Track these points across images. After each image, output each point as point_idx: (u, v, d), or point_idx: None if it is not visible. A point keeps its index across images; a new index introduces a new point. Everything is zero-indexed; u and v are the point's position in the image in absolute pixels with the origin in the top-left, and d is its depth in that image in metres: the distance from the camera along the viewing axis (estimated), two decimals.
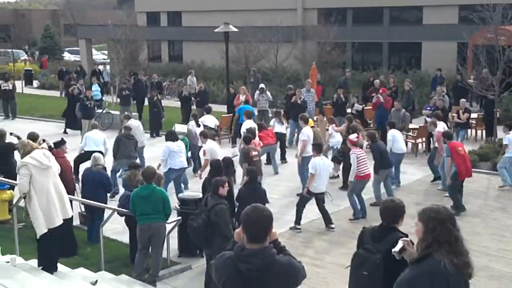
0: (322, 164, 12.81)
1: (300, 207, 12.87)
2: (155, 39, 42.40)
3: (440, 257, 4.39)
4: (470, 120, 20.55)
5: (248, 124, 17.15)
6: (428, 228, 4.46)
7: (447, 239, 4.42)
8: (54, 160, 9.10)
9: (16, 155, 12.88)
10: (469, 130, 20.95)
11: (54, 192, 8.76)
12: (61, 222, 8.78)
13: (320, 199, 12.93)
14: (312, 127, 17.27)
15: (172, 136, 14.71)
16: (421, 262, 4.49)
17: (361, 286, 5.59)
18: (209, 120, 19.70)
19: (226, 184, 9.56)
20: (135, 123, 17.30)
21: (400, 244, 5.06)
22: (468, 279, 4.50)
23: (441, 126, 15.97)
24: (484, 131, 21.74)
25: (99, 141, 15.35)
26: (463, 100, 20.44)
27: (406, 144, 19.45)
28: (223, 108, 24.33)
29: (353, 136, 14.36)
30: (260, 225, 4.38)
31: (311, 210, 13.74)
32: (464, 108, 19.76)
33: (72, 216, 9.29)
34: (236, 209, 10.65)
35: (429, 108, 19.99)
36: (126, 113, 18.89)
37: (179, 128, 17.73)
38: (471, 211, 13.97)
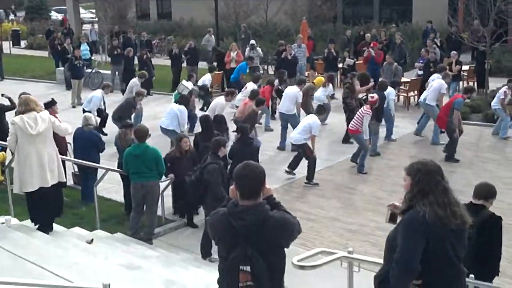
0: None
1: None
2: None
3: (421, 208, 4.42)
4: (462, 72, 20.49)
5: (251, 86, 16.78)
6: (414, 180, 4.52)
7: (432, 190, 4.44)
8: (48, 123, 8.70)
9: (8, 115, 12.86)
10: (460, 82, 20.90)
11: (36, 158, 8.53)
12: (35, 188, 8.60)
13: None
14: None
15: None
16: (404, 214, 4.57)
17: None
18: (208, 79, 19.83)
19: (226, 145, 9.58)
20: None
21: (388, 213, 5.04)
22: (460, 229, 4.47)
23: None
24: (475, 83, 21.70)
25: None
26: (454, 52, 20.33)
27: (398, 98, 19.50)
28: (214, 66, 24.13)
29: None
30: (252, 181, 4.36)
31: (305, 166, 13.79)
32: (456, 60, 19.68)
33: (57, 183, 8.92)
34: (229, 166, 10.66)
35: (421, 61, 19.91)
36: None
37: (187, 85, 17.49)
38: (464, 162, 14.06)
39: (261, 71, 24.32)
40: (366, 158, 13.68)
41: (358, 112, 13.82)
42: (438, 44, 22.62)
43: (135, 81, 18.25)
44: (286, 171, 13.29)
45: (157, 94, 22.84)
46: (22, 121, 8.46)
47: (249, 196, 4.35)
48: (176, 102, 15.09)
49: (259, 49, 23.47)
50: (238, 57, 22.38)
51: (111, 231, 10.06)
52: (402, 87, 19.71)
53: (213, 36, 27.49)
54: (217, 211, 4.56)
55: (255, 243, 4.31)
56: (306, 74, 22.37)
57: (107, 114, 16.70)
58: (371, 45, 21.91)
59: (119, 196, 11.56)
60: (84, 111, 15.33)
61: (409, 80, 19.93)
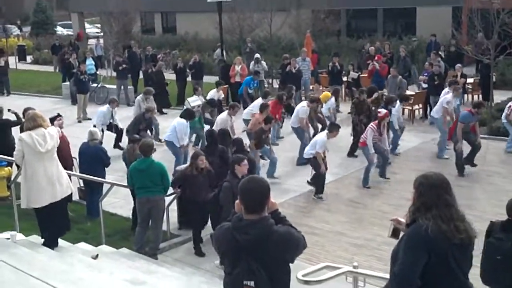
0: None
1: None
2: (148, 10, 42.00)
3: (424, 221, 4.38)
4: (466, 85, 20.49)
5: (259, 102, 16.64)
6: (418, 194, 4.50)
7: (435, 204, 4.40)
8: (56, 139, 8.68)
9: (14, 130, 12.93)
10: (465, 95, 20.89)
11: (43, 175, 8.47)
12: (43, 204, 8.55)
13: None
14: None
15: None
16: (408, 227, 4.56)
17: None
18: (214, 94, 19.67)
19: (245, 162, 9.56)
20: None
21: (390, 228, 4.99)
22: (464, 244, 4.42)
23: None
24: (480, 96, 21.68)
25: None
26: (459, 65, 20.35)
27: (403, 111, 19.48)
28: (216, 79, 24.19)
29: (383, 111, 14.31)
30: (257, 195, 4.37)
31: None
32: (460, 73, 19.68)
33: (66, 197, 8.94)
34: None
35: (426, 74, 19.92)
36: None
37: (191, 101, 17.47)
38: (469, 176, 14.03)
39: (266, 85, 24.36)
40: (370, 172, 13.64)
41: (369, 126, 13.92)
42: (442, 56, 22.66)
43: (139, 98, 18.19)
44: (307, 181, 13.40)
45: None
46: (31, 138, 8.34)
47: (253, 210, 4.36)
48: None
49: (263, 63, 23.55)
50: (242, 71, 22.44)
51: (117, 246, 10.05)
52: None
53: (224, 51, 27.47)
54: (222, 226, 4.58)
55: (259, 258, 4.31)
56: (311, 87, 22.44)
57: (122, 129, 16.61)
58: (376, 58, 21.95)
59: (125, 211, 11.57)
60: (94, 127, 15.37)
61: (413, 93, 19.93)
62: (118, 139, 16.67)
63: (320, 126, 16.48)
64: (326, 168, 13.06)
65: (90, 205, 11.72)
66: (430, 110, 19.13)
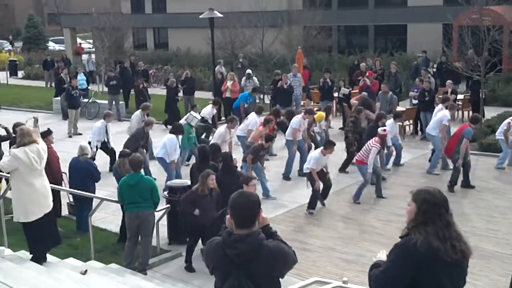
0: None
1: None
2: (140, 26, 42.13)
3: (416, 236, 4.27)
4: (457, 101, 20.58)
5: (252, 117, 16.58)
6: (420, 210, 4.35)
7: (434, 222, 4.30)
8: (45, 154, 8.70)
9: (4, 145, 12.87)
10: (456, 112, 20.95)
11: (39, 189, 8.53)
12: (38, 216, 8.57)
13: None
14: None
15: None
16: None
17: None
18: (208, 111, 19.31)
19: (253, 182, 9.89)
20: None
21: (383, 255, 4.80)
22: (460, 264, 4.32)
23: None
24: (470, 112, 21.77)
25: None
26: (449, 81, 20.47)
27: None
28: (210, 95, 24.26)
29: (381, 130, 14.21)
30: (247, 210, 4.36)
31: (301, 195, 13.79)
32: (451, 90, 19.78)
33: (54, 211, 9.02)
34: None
35: (416, 90, 20.00)
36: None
37: (195, 115, 17.18)
38: (460, 191, 14.04)
39: (257, 101, 24.40)
40: (363, 190, 13.57)
41: (367, 144, 13.66)
42: (431, 72, 22.78)
43: (137, 114, 17.48)
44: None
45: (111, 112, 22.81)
46: (27, 156, 8.32)
47: (243, 225, 4.34)
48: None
49: (255, 79, 23.59)
50: (234, 86, 22.49)
51: (106, 262, 9.99)
52: None
53: (223, 68, 27.39)
54: (212, 240, 4.56)
55: (249, 273, 4.29)
56: (302, 103, 22.48)
57: (114, 150, 15.95)
58: (367, 74, 22.04)
59: (114, 226, 11.51)
60: (89, 143, 15.16)
61: (404, 109, 19.99)
62: (112, 161, 15.82)
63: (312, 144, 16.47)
64: (329, 182, 13.19)
65: (80, 220, 11.65)
66: (421, 126, 19.23)
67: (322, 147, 13.28)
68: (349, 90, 21.82)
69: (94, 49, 39.19)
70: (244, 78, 23.41)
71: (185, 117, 17.12)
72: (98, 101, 24.84)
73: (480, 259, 9.98)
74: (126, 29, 35.21)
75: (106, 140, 16.34)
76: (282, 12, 36.33)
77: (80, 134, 21.60)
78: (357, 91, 21.90)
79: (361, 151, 13.73)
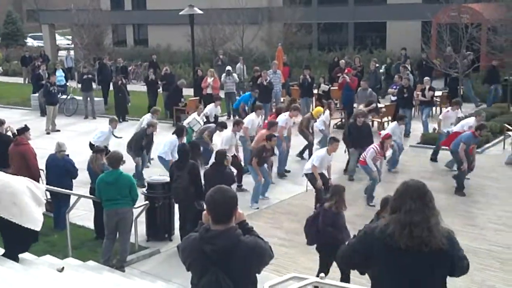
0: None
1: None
2: (120, 23, 41.89)
3: (381, 222, 4.50)
4: (435, 98, 20.74)
5: (251, 117, 16.29)
6: (393, 199, 4.54)
7: (398, 209, 4.41)
8: None
9: None
10: (433, 108, 21.13)
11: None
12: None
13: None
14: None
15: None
16: None
17: None
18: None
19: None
20: None
21: None
22: (417, 252, 4.31)
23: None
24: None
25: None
26: (427, 78, 20.61)
27: (372, 124, 19.62)
28: (190, 92, 24.18)
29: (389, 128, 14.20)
30: (224, 206, 4.36)
31: (280, 192, 13.84)
32: (429, 86, 19.92)
33: None
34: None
35: (394, 87, 20.12)
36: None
37: (199, 119, 16.74)
38: (436, 187, 14.12)
39: (237, 97, 24.39)
40: (374, 191, 13.21)
41: (371, 146, 13.65)
42: (410, 69, 22.95)
43: (147, 117, 16.74)
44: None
45: (132, 120, 22.74)
46: None
47: (220, 220, 4.34)
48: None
49: (235, 75, 23.57)
50: (215, 83, 22.47)
51: (83, 259, 9.93)
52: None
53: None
54: (189, 236, 4.55)
55: (226, 269, 4.30)
56: (282, 100, 22.52)
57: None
58: (346, 71, 22.13)
59: (92, 223, 11.43)
60: (91, 145, 14.88)
61: (383, 105, 20.12)
62: None
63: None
64: (329, 184, 12.51)
65: (57, 217, 11.57)
66: None
67: (328, 144, 12.97)
68: (328, 87, 21.90)
69: (73, 46, 38.94)
70: (224, 74, 23.39)
71: (188, 120, 16.80)
72: (77, 97, 24.67)
73: None
74: (105, 26, 35.02)
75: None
76: (262, 9, 36.33)
77: (58, 130, 21.47)
78: (337, 88, 21.99)
79: (364, 153, 13.64)
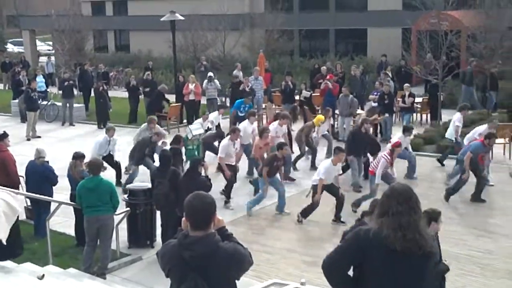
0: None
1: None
2: (101, 28, 41.75)
3: (370, 225, 4.56)
4: (415, 104, 20.90)
5: (244, 125, 16.01)
6: (379, 202, 4.62)
7: (386, 212, 4.48)
8: None
9: None
10: (414, 114, 21.30)
11: None
12: None
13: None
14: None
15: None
16: None
17: None
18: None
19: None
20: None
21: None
22: (413, 255, 4.37)
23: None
24: (429, 115, 22.16)
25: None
26: (406, 84, 20.77)
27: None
28: (172, 98, 24.16)
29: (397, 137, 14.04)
30: (202, 212, 4.35)
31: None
32: (409, 93, 20.08)
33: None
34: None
35: (375, 94, 20.25)
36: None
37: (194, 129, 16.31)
38: (418, 193, 14.17)
39: (219, 103, 24.39)
40: (365, 200, 12.75)
41: (379, 155, 13.44)
42: (391, 75, 23.12)
43: (143, 127, 16.44)
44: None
45: (114, 126, 22.60)
46: None
47: (199, 226, 4.34)
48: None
49: (217, 81, 23.59)
50: (196, 89, 22.46)
51: (64, 266, 9.86)
52: (356, 118, 19.97)
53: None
54: (168, 243, 4.55)
55: (205, 275, 4.29)
56: (264, 106, 22.56)
57: (119, 164, 15.36)
58: (327, 77, 22.23)
59: (73, 230, 11.36)
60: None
61: (364, 112, 20.20)
62: (118, 176, 15.22)
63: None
64: (341, 198, 12.41)
65: (38, 225, 11.48)
66: (381, 128, 19.48)
67: (334, 154, 12.65)
68: (310, 93, 21.97)
69: (53, 51, 38.71)
70: (206, 81, 23.38)
71: (193, 126, 16.50)
72: (57, 103, 24.51)
73: None
74: (86, 31, 34.88)
75: (111, 153, 15.28)
76: (244, 15, 36.42)
77: (39, 137, 21.33)
78: (319, 94, 22.07)
79: (374, 162, 13.44)
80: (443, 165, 16.50)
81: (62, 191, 12.50)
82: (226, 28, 29.20)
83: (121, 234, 10.85)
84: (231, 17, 31.32)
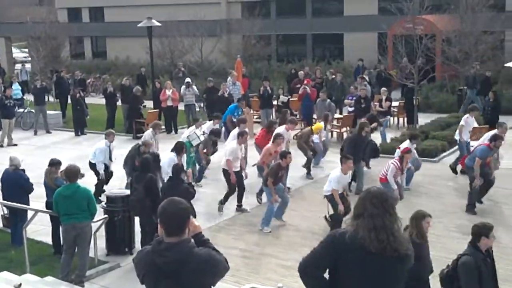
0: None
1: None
2: (77, 35, 41.50)
3: (347, 228, 4.58)
4: (392, 108, 21.07)
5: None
6: (355, 205, 4.68)
7: (361, 214, 4.54)
8: None
9: None
10: (391, 118, 21.47)
11: None
12: None
13: None
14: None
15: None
16: None
17: None
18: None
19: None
20: None
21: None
22: (388, 256, 4.42)
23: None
24: (405, 119, 22.35)
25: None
26: (383, 89, 20.94)
27: (332, 134, 19.83)
28: (149, 104, 24.11)
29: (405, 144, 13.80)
30: (176, 218, 4.35)
31: (244, 203, 13.80)
32: (386, 97, 20.24)
33: None
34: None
35: (351, 98, 20.39)
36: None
37: (199, 134, 15.81)
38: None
39: (198, 109, 24.40)
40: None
41: (389, 162, 13.26)
42: (368, 80, 23.29)
43: (149, 132, 15.97)
44: (325, 217, 12.45)
45: (91, 133, 22.55)
46: None
47: (173, 233, 4.33)
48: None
49: (194, 87, 23.58)
50: (173, 95, 22.44)
51: (41, 275, 9.78)
52: (335, 123, 20.12)
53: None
54: (143, 249, 4.56)
55: (179, 281, 4.28)
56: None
57: (112, 173, 14.99)
58: (305, 82, 22.34)
59: (50, 238, 11.28)
60: (90, 163, 14.47)
61: (341, 116, 20.36)
62: (105, 182, 14.73)
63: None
64: (348, 208, 11.82)
65: (14, 233, 11.37)
66: None
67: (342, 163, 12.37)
68: (287, 98, 22.06)
69: (29, 59, 38.38)
70: (183, 86, 23.35)
71: (187, 134, 15.99)
72: (34, 111, 24.28)
73: None
74: (62, 38, 34.66)
75: (111, 159, 14.96)
76: (221, 21, 36.44)
77: (15, 145, 21.14)
78: (296, 99, 22.16)
79: (383, 169, 13.24)
80: (456, 173, 15.99)
81: (38, 199, 12.35)
82: (204, 34, 29.20)
83: (99, 241, 10.79)
84: (208, 23, 31.33)
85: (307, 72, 25.44)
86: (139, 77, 28.67)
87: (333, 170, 12.72)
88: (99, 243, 10.78)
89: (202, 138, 15.66)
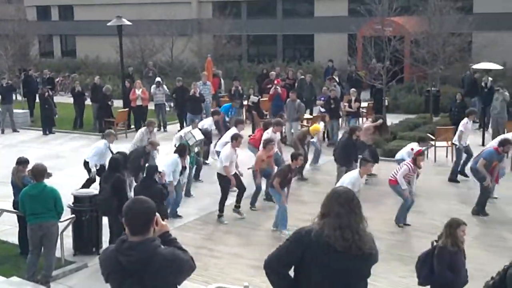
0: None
1: None
2: (46, 34, 41.06)
3: (314, 226, 4.65)
4: (361, 109, 21.25)
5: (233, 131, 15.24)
6: (322, 204, 4.76)
7: (328, 213, 4.63)
8: None
9: None
10: (360, 119, 21.64)
11: None
12: None
13: None
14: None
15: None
16: None
17: None
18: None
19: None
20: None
21: None
22: (353, 254, 4.50)
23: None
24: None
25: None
26: (353, 89, 21.11)
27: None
28: (119, 103, 23.97)
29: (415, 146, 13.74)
30: (140, 217, 4.33)
31: (209, 203, 13.81)
32: (355, 98, 20.40)
33: None
34: None
35: (322, 99, 20.51)
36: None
37: (194, 134, 15.49)
38: (363, 195, 14.37)
39: (168, 109, 24.34)
40: (405, 210, 12.56)
41: (403, 163, 13.01)
42: (338, 81, 23.45)
43: (142, 130, 15.85)
44: None
45: (59, 132, 22.35)
46: None
47: (137, 231, 4.31)
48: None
49: (165, 87, 23.51)
50: (143, 94, 22.35)
51: (7, 275, 9.66)
52: (305, 123, 20.22)
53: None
54: (107, 248, 4.55)
55: (143, 280, 4.28)
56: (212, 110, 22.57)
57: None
58: (275, 82, 22.42)
59: (16, 238, 11.16)
60: (85, 163, 14.18)
61: (311, 116, 20.47)
62: (92, 182, 14.17)
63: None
64: None
65: None
66: (327, 133, 19.74)
67: (358, 167, 12.15)
68: (258, 98, 22.11)
69: None
70: (154, 86, 23.27)
71: (183, 133, 15.78)
72: (1, 109, 23.97)
73: (381, 261, 10.27)
74: (31, 36, 34.29)
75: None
76: (192, 20, 36.41)
77: None
78: (267, 99, 22.23)
79: (394, 171, 12.98)
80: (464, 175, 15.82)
81: (5, 198, 12.24)
82: (174, 34, 29.14)
83: (66, 241, 10.71)
84: (179, 23, 31.26)
85: (278, 73, 25.52)
86: (128, 77, 28.41)
87: (349, 172, 12.46)
88: (66, 243, 10.69)
89: (201, 136, 15.48)
